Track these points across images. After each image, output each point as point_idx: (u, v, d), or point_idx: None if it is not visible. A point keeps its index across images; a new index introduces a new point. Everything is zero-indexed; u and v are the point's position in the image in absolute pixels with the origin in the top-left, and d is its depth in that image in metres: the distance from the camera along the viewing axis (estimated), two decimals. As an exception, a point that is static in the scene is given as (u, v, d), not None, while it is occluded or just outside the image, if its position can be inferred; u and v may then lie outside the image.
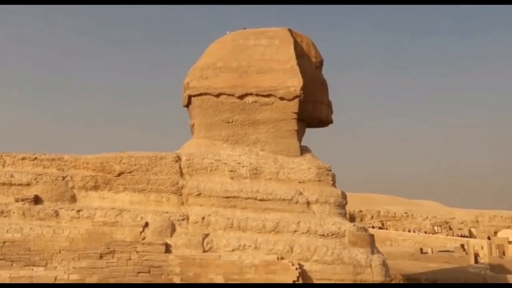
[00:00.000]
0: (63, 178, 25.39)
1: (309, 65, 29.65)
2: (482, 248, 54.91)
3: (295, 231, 24.63)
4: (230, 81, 27.94)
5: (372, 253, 24.99)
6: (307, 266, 23.82)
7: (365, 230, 26.53)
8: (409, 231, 69.52)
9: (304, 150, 28.04)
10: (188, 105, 29.30)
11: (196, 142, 28.03)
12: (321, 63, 30.96)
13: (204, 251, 23.78)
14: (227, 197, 25.28)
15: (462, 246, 57.39)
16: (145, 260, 22.98)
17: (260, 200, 25.37)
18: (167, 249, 23.54)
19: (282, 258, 23.70)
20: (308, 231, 24.65)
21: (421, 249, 55.35)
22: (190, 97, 28.70)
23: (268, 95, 27.59)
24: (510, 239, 55.44)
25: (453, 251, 58.69)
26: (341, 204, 26.60)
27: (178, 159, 26.12)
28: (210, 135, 28.00)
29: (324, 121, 30.37)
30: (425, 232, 67.86)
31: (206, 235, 24.17)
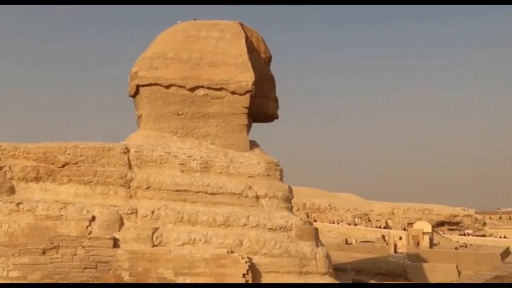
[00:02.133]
0: (1, 168, 23.27)
1: (259, 61, 29.60)
2: (400, 238, 58.45)
3: (245, 225, 24.59)
4: (181, 72, 27.14)
5: (317, 246, 25.62)
6: (256, 259, 23.88)
7: (310, 224, 27.15)
8: (333, 222, 72.23)
9: (253, 144, 28.00)
10: (135, 95, 28.05)
11: (144, 134, 26.96)
12: (269, 59, 31.05)
13: (154, 246, 23.03)
14: (177, 191, 24.61)
15: (383, 237, 60.69)
16: (92, 256, 21.79)
17: (211, 194, 25.00)
18: (115, 243, 22.50)
19: (232, 252, 23.56)
20: (257, 225, 24.71)
21: (346, 240, 57.75)
22: (138, 87, 27.49)
23: (220, 89, 27.17)
24: (424, 230, 59.44)
25: (373, 242, 61.93)
26: (288, 199, 26.96)
27: (127, 150, 24.97)
28: (159, 126, 27.05)
29: (270, 116, 30.52)
30: (348, 224, 70.95)
31: (156, 229, 23.40)
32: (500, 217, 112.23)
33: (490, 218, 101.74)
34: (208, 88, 27.18)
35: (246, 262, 23.22)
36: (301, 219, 26.29)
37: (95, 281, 21.46)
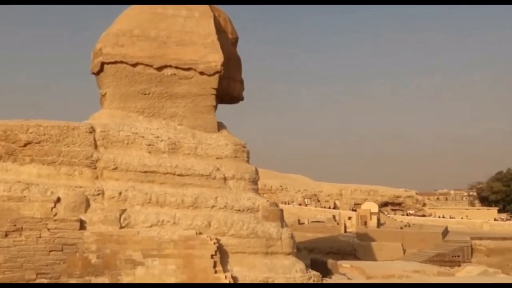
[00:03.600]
0: (-44, 146, 21.75)
1: (226, 41, 29.22)
2: (349, 218, 60.67)
3: (213, 206, 24.54)
4: (148, 50, 26.30)
5: (282, 226, 26.06)
6: (223, 240, 23.96)
7: (276, 205, 27.53)
8: (285, 203, 73.58)
9: (220, 126, 27.79)
10: (99, 72, 26.91)
11: (109, 113, 26.02)
12: (236, 39, 30.75)
13: (121, 227, 22.51)
14: (145, 172, 24.07)
15: (334, 217, 62.64)
16: (57, 238, 20.97)
17: (179, 175, 24.66)
18: (82, 225, 21.74)
19: (200, 233, 23.48)
20: (225, 206, 24.73)
21: (299, 220, 59.14)
22: (102, 64, 26.38)
23: (188, 69, 26.61)
24: (372, 211, 61.91)
25: (323, 222, 63.86)
26: (255, 180, 27.13)
27: (92, 130, 24.03)
28: (125, 106, 26.21)
29: (236, 98, 30.39)
30: (299, 204, 72.59)
31: (123, 211, 22.85)
32: (438, 198, 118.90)
33: (428, 199, 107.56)
34: (176, 67, 26.55)
35: (214, 243, 23.23)
36: (267, 200, 26.58)
37: (61, 264, 20.75)
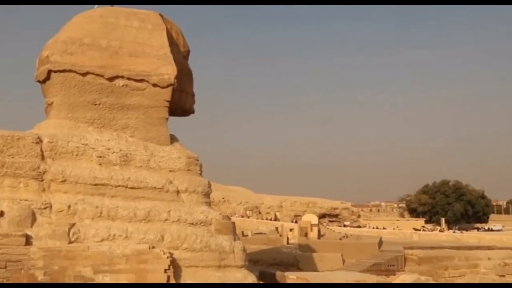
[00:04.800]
0: None
1: (178, 54, 28.94)
2: (291, 230, 61.34)
3: (166, 219, 24.01)
4: (99, 60, 25.46)
5: (235, 239, 25.99)
6: (177, 254, 23.49)
7: (229, 218, 27.40)
8: (230, 215, 73.32)
9: (172, 138, 27.34)
10: (45, 80, 25.66)
11: (57, 123, 24.82)
12: (188, 52, 30.56)
13: (70, 242, 21.44)
14: (95, 184, 23.13)
15: (276, 228, 63.11)
16: (0, 254, 19.56)
17: (131, 188, 23.94)
18: (28, 241, 20.47)
19: (153, 247, 22.86)
20: (178, 219, 24.28)
21: (243, 232, 59.00)
22: (49, 72, 25.18)
23: (141, 80, 26.04)
24: (312, 222, 62.99)
25: (265, 233, 64.15)
26: (208, 193, 26.89)
27: (39, 140, 22.78)
28: (73, 116, 25.12)
29: (187, 111, 30.08)
30: (242, 216, 72.57)
31: (72, 225, 21.79)
32: (371, 210, 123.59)
33: (362, 210, 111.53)
34: (128, 78, 25.90)
35: (167, 258, 22.72)
36: (220, 213, 26.41)
37: (5, 282, 19.34)
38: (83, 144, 23.79)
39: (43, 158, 22.72)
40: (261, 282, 26.84)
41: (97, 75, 25.39)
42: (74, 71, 25.13)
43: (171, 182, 25.19)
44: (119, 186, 23.63)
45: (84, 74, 25.26)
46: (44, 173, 22.30)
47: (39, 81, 26.12)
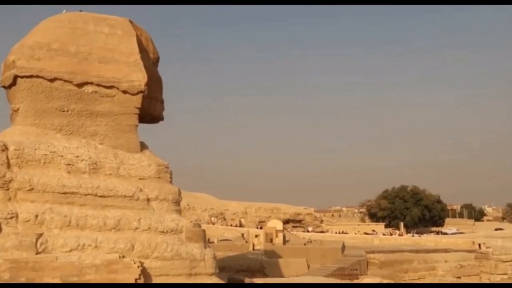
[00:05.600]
0: None
1: (148, 61, 28.63)
2: (256, 236, 61.40)
3: (136, 228, 23.63)
4: (67, 66, 24.86)
5: (205, 247, 25.85)
6: (147, 263, 23.15)
7: (199, 226, 27.23)
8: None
9: (142, 146, 26.96)
10: (11, 86, 24.79)
11: (23, 130, 24.01)
12: (157, 59, 30.31)
13: (38, 253, 20.77)
14: (64, 193, 22.51)
15: (242, 235, 63.04)
16: (-36, 267, 18.68)
17: (101, 196, 23.42)
18: (-8, 252, 19.61)
19: (123, 257, 22.43)
20: (149, 228, 23.94)
21: (209, 239, 58.58)
22: (15, 77, 24.36)
23: (111, 87, 25.59)
24: (277, 228, 63.33)
25: (231, 240, 63.95)
26: (178, 201, 26.66)
27: (5, 148, 21.97)
28: (40, 123, 24.37)
29: (156, 118, 29.76)
30: (207, 223, 72.03)
31: (40, 235, 21.10)
32: (332, 215, 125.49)
33: (324, 215, 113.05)
34: (98, 85, 25.40)
35: (138, 267, 22.33)
36: (190, 221, 26.24)
37: (-32, 296, 18.49)
38: (51, 152, 23.12)
39: (9, 166, 21.93)
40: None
41: (66, 81, 24.78)
42: (42, 77, 24.43)
43: (141, 190, 24.81)
44: (88, 194, 23.08)
45: (52, 80, 24.59)
46: (10, 181, 21.52)
47: (4, 87, 25.25)
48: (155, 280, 23.10)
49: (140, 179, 25.30)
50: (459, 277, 57.07)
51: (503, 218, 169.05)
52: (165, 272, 23.60)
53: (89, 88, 25.26)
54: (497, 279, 55.99)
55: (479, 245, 70.74)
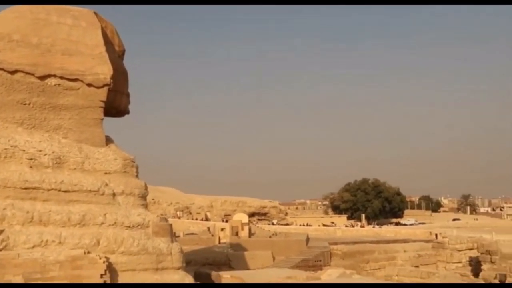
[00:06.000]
0: None
1: (113, 53, 28.00)
2: (222, 230, 61.44)
3: (102, 223, 23.17)
4: (29, 58, 23.99)
5: (172, 241, 25.68)
6: (113, 258, 22.77)
7: (166, 220, 26.97)
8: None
9: (108, 140, 26.40)
10: (-32, 77, 23.70)
11: (-18, 124, 23.01)
12: (123, 52, 29.69)
13: (-1, 250, 19.98)
14: (26, 188, 21.79)
15: (208, 228, 62.92)
16: None
17: (65, 191, 22.81)
18: (-50, 250, 18.80)
19: (88, 252, 21.98)
20: (115, 223, 23.53)
21: (174, 233, 58.10)
22: (-26, 69, 23.31)
23: (75, 80, 24.88)
24: (243, 221, 63.52)
25: (197, 234, 63.69)
26: (144, 196, 26.33)
27: (-37, 142, 21.02)
28: (0, 116, 23.49)
29: (122, 112, 29.20)
30: (173, 217, 71.46)
31: (1, 232, 20.42)
32: (297, 208, 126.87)
33: (289, 208, 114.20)
34: (61, 78, 24.64)
35: (104, 262, 21.95)
36: (157, 215, 25.97)
37: None
38: (12, 146, 22.31)
39: (-33, 161, 21.00)
40: (198, 283, 26.68)
41: (27, 73, 23.92)
42: (2, 69, 23.50)
43: (107, 185, 24.33)
44: (51, 189, 22.44)
45: (13, 72, 23.68)
46: (-32, 177, 20.62)
47: (-39, 78, 24.06)
48: (122, 275, 22.77)
49: (106, 173, 24.80)
50: (417, 266, 58.95)
51: (458, 209, 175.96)
52: (132, 267, 23.29)
53: (52, 81, 24.48)
54: (452, 267, 58.24)
55: (436, 235, 73.37)
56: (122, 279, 22.73)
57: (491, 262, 49.15)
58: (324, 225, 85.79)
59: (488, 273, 46.95)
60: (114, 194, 24.47)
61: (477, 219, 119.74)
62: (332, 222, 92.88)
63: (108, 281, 21.71)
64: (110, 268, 22.29)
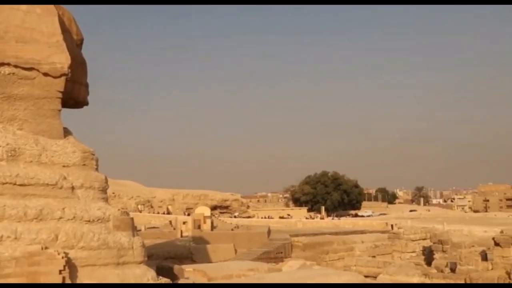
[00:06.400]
0: None
1: (71, 42, 26.90)
2: (184, 223, 60.80)
3: (60, 218, 22.27)
4: (-19, 45, 22.60)
5: (133, 235, 25.09)
6: (72, 253, 21.94)
7: (127, 214, 26.29)
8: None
9: (66, 132, 25.37)
10: None
11: None
12: (81, 41, 28.57)
13: (-51, 247, 18.82)
14: (-21, 182, 20.56)
15: (170, 222, 62.09)
16: None
17: (20, 185, 21.74)
18: None
19: (46, 248, 21.08)
20: (74, 217, 22.68)
21: (136, 227, 56.96)
22: None
23: (30, 69, 23.69)
24: (205, 215, 63.13)
25: (158, 227, 62.75)
26: (105, 189, 25.54)
27: None
28: (-51, 106, 22.02)
29: (81, 103, 28.16)
30: (134, 211, 70.01)
31: (-49, 228, 19.15)
32: (258, 200, 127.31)
33: (251, 201, 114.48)
34: (16, 66, 23.40)
35: (62, 258, 21.10)
36: (118, 209, 25.25)
37: None
38: (-38, 138, 20.99)
39: None
40: (160, 277, 26.14)
41: (-22, 61, 22.55)
42: (-50, 56, 22.03)
43: (65, 178, 23.38)
44: (6, 183, 21.34)
45: (-37, 61, 22.26)
46: None
47: None
48: (81, 271, 21.99)
49: (64, 166, 23.83)
50: (374, 256, 60.43)
51: (412, 201, 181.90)
52: (92, 262, 22.55)
53: (5, 70, 23.20)
54: (406, 257, 60.05)
55: (392, 226, 75.46)
56: (82, 274, 21.96)
57: (443, 251, 51.06)
58: (281, 217, 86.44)
59: (439, 262, 48.71)
60: (73, 188, 23.56)
61: (429, 210, 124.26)
62: (288, 215, 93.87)
63: (67, 277, 20.90)
64: (69, 264, 21.48)
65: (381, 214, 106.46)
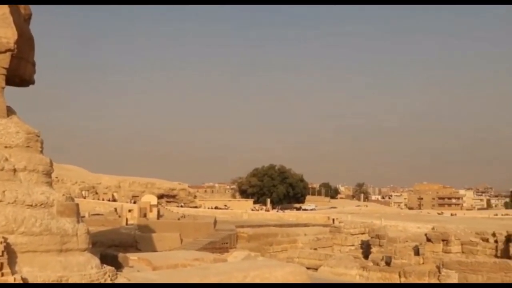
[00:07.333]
0: None
1: (18, 17, 25.08)
2: (130, 211, 59.10)
3: (0, 201, 20.78)
4: None
5: (78, 222, 23.96)
6: (12, 238, 20.59)
7: (72, 199, 25.00)
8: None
9: (9, 111, 23.71)
10: None
11: None
12: (30, 16, 26.71)
13: None
14: None
15: (115, 209, 60.16)
16: None
17: (-43, 166, 20.04)
18: None
19: (-17, 232, 19.60)
20: (15, 201, 21.26)
21: (80, 213, 54.77)
22: None
23: (-29, 43, 21.84)
24: (152, 203, 61.70)
25: (103, 214, 60.64)
26: (49, 173, 24.15)
27: None
28: None
29: (27, 81, 26.37)
30: (78, 197, 67.27)
31: None
32: (205, 191, 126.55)
33: (198, 191, 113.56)
34: (-43, 39, 21.50)
35: (1, 243, 19.70)
36: (63, 194, 23.93)
37: None
38: None
39: None
40: (104, 265, 25.17)
41: None
42: None
43: (6, 160, 21.87)
44: None
45: None
46: None
47: None
48: (21, 257, 20.69)
49: (6, 147, 22.28)
50: (316, 249, 61.77)
51: (353, 196, 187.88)
52: (33, 248, 21.27)
53: None
54: (346, 250, 61.83)
55: (333, 220, 77.43)
56: (22, 260, 20.67)
57: (379, 245, 53.07)
58: (216, 208, 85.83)
59: (376, 255, 50.59)
60: (15, 170, 22.08)
61: (367, 206, 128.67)
62: (225, 205, 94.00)
63: (5, 263, 19.56)
64: (8, 249, 20.12)
65: (331, 207, 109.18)
